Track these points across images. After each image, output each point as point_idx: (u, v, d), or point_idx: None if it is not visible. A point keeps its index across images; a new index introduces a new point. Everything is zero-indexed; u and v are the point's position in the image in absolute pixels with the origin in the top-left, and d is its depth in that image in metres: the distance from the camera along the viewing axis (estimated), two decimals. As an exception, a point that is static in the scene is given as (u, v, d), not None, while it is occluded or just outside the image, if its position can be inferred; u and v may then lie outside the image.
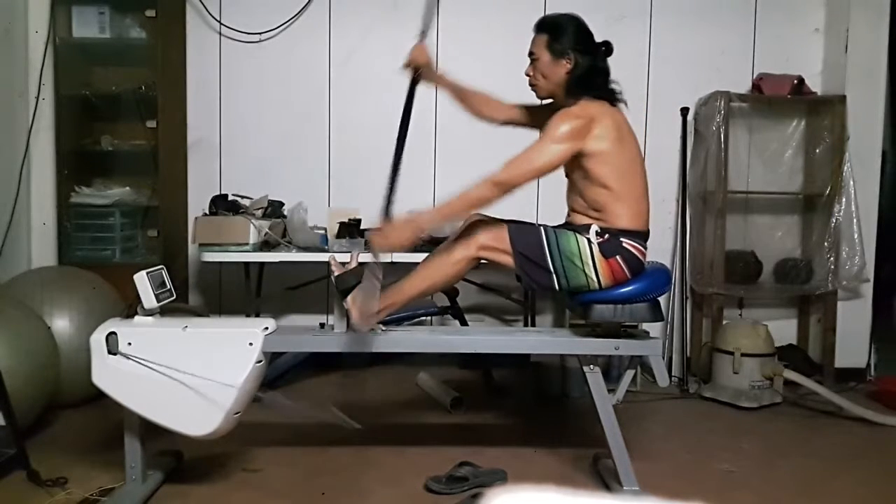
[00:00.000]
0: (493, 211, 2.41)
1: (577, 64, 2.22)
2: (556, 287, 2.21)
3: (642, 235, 2.24)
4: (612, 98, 2.24)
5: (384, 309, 2.25)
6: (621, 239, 2.18)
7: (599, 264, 2.17)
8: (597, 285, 2.20)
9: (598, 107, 2.18)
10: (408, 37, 3.77)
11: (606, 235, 2.18)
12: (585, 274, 2.18)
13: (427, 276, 2.25)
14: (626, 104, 2.27)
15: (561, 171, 2.38)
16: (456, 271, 2.23)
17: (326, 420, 2.15)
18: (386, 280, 2.35)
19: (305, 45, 3.73)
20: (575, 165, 2.20)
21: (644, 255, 2.24)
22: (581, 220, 2.24)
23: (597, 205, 2.20)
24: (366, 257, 2.24)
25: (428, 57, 2.39)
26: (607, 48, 2.26)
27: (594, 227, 2.19)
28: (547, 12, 2.44)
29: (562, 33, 2.24)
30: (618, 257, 2.18)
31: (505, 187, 2.12)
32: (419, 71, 2.39)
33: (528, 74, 2.32)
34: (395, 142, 2.28)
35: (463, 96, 2.51)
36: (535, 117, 2.48)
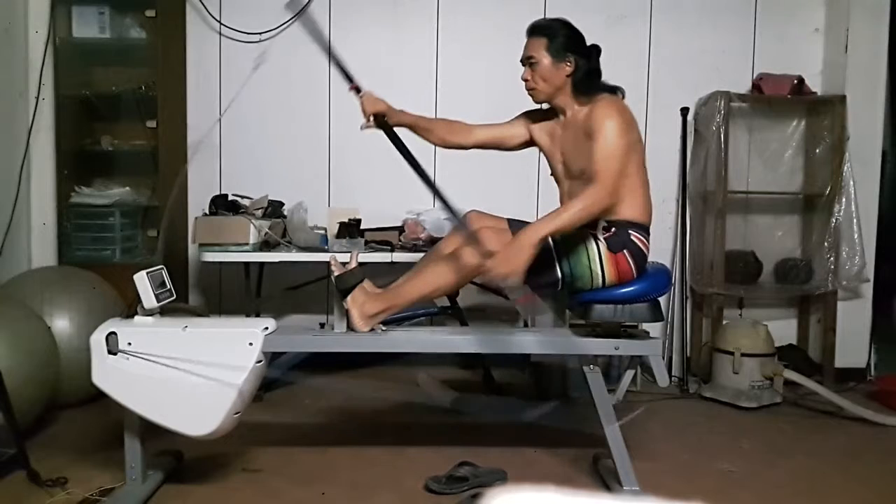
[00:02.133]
0: (491, 208, 2.42)
1: (577, 66, 2.25)
2: (560, 286, 2.22)
3: (647, 229, 2.26)
4: (621, 95, 2.27)
5: (385, 310, 2.25)
6: (629, 231, 2.20)
7: (606, 261, 2.18)
8: (600, 282, 2.20)
9: (622, 101, 2.22)
10: (408, 36, 3.77)
11: (613, 229, 2.19)
12: (591, 271, 2.18)
13: (432, 282, 2.25)
14: None
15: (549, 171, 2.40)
16: (461, 279, 2.22)
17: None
18: (385, 280, 2.36)
19: (305, 46, 3.71)
20: None
21: (648, 249, 2.25)
22: None
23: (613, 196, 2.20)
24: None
25: (381, 101, 2.38)
26: (598, 50, 2.30)
27: (601, 223, 2.20)
28: (547, 13, 2.45)
29: (559, 36, 2.26)
30: (625, 251, 2.19)
31: (613, 189, 2.11)
32: (383, 117, 2.38)
33: (525, 79, 2.31)
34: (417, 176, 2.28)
35: (425, 128, 2.49)
36: (513, 130, 2.47)
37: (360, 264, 2.33)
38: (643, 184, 2.25)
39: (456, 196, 3.54)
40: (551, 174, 2.45)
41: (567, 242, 2.19)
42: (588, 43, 2.29)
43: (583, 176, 2.23)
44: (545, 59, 2.26)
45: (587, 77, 2.26)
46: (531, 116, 2.47)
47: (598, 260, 2.18)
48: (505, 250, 2.07)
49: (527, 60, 2.30)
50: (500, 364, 3.53)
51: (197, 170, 3.75)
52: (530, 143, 2.49)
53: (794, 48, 3.76)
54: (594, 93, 2.23)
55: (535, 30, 2.31)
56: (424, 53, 3.73)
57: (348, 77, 2.39)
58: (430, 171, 3.72)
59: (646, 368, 3.32)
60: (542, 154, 2.48)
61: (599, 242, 2.19)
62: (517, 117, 2.49)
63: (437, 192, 2.24)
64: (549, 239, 2.18)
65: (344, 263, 2.34)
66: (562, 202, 2.38)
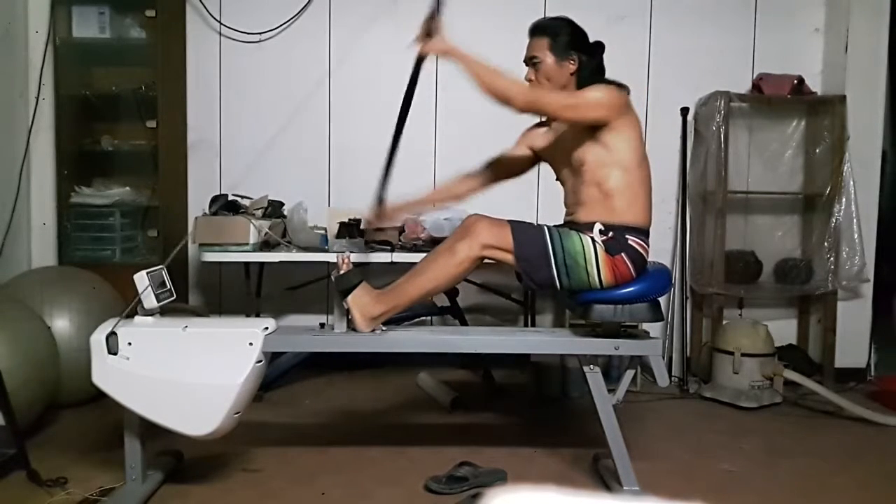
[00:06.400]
0: (491, 210, 2.42)
1: (581, 63, 2.25)
2: (558, 286, 2.21)
3: (646, 232, 2.25)
4: (626, 92, 2.27)
5: (387, 311, 2.25)
6: (627, 236, 2.19)
7: (603, 263, 2.17)
8: (597, 284, 2.19)
9: (622, 91, 2.23)
10: (408, 36, 3.77)
11: (611, 233, 2.19)
12: (588, 272, 2.18)
13: (431, 277, 2.23)
14: None
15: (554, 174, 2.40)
16: (460, 271, 2.21)
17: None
18: (386, 280, 2.36)
19: (305, 45, 3.73)
20: (598, 144, 2.20)
21: (647, 252, 2.25)
22: (585, 216, 2.23)
23: (612, 191, 2.19)
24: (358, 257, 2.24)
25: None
26: (602, 47, 2.31)
27: (598, 226, 2.19)
28: (547, 13, 2.45)
29: (561, 34, 2.26)
30: (623, 255, 2.18)
31: (531, 102, 2.15)
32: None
33: (529, 79, 2.31)
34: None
35: (442, 196, 2.58)
36: (516, 153, 2.51)
37: (359, 264, 2.33)
38: (644, 187, 2.24)
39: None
40: (556, 178, 2.45)
41: (565, 243, 2.18)
42: (591, 40, 2.30)
43: (582, 167, 2.24)
44: (548, 59, 2.26)
45: (592, 74, 2.26)
46: (529, 133, 2.51)
47: (594, 262, 2.17)
48: (440, 35, 2.16)
49: (530, 61, 2.30)
50: (500, 364, 3.53)
51: (197, 170, 3.75)
52: (537, 158, 2.51)
53: (794, 48, 3.77)
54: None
55: (537, 29, 2.31)
56: (424, 53, 3.72)
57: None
58: (430, 174, 3.75)
59: (646, 368, 3.32)
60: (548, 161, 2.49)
61: (597, 245, 2.18)
62: (518, 141, 2.53)
63: (389, 162, 2.35)
64: (549, 241, 2.18)
65: (355, 264, 2.34)
66: (565, 204, 2.38)
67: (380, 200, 2.41)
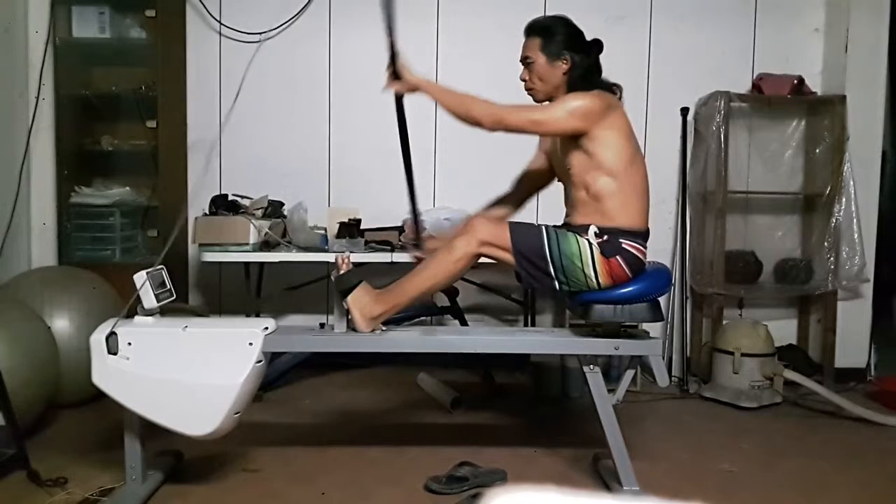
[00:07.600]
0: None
1: (574, 63, 2.24)
2: (556, 286, 2.21)
3: (642, 235, 2.24)
4: (618, 94, 2.26)
5: (387, 311, 2.25)
6: (621, 240, 2.18)
7: (599, 265, 2.17)
8: (595, 285, 2.19)
9: (612, 98, 2.22)
10: (407, 36, 3.77)
11: (606, 236, 2.18)
12: (585, 274, 2.17)
13: (429, 275, 2.24)
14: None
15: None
16: (458, 268, 2.21)
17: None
18: (386, 280, 2.36)
19: (305, 45, 3.73)
20: (580, 151, 2.19)
21: (644, 254, 2.24)
22: (580, 218, 2.23)
23: (599, 195, 2.18)
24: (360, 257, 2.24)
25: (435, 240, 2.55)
26: (599, 46, 2.28)
27: (592, 228, 2.18)
28: (547, 13, 2.45)
29: (554, 34, 2.25)
30: (618, 257, 2.18)
31: (497, 122, 2.15)
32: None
33: (523, 79, 2.32)
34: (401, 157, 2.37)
35: (514, 208, 2.57)
36: (537, 164, 2.53)
37: (355, 265, 2.33)
38: (635, 190, 2.22)
39: (458, 198, 3.57)
40: (558, 179, 2.45)
41: (561, 244, 2.18)
42: (588, 38, 2.29)
43: (569, 170, 2.24)
44: (540, 59, 2.26)
45: (585, 74, 2.25)
46: (542, 140, 2.51)
47: (591, 264, 2.17)
48: (407, 73, 2.24)
49: (524, 61, 2.30)
50: (500, 364, 3.53)
51: (197, 170, 3.75)
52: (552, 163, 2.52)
53: (794, 48, 3.77)
54: (589, 89, 2.21)
55: (531, 29, 2.30)
56: (424, 53, 3.72)
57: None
58: (430, 172, 3.75)
59: (646, 368, 3.32)
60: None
61: (593, 246, 2.17)
62: (536, 150, 2.54)
63: (412, 195, 2.38)
64: (546, 241, 2.18)
65: (355, 264, 2.34)
66: (565, 205, 2.38)
67: (416, 230, 2.47)
